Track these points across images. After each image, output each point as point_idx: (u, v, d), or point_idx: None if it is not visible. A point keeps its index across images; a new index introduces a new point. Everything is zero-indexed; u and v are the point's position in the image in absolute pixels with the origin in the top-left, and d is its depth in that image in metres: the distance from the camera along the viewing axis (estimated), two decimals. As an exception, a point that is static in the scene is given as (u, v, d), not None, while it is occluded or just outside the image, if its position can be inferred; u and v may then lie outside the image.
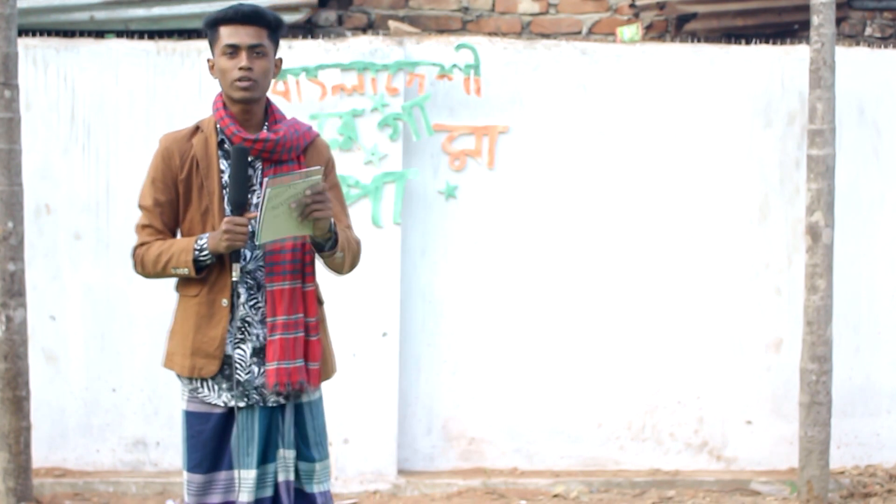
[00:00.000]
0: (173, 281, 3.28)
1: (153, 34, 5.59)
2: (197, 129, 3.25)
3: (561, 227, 5.63)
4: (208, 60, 3.24)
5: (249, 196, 3.16)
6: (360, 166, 5.42)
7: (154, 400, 5.51)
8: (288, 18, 5.68)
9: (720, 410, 5.71)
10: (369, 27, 6.06)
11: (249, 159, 3.17)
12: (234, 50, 3.13)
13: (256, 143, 3.17)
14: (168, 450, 5.52)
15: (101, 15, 5.57)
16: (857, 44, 6.07)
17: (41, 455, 5.45)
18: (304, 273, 3.21)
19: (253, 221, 3.09)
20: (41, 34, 5.53)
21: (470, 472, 5.61)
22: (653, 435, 5.70)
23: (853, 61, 5.63)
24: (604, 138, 5.64)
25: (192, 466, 3.23)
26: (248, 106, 3.19)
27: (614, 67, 5.63)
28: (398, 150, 5.46)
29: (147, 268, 3.23)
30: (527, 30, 6.18)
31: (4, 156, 4.93)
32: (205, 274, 3.17)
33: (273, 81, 5.31)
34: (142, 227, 3.25)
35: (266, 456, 3.22)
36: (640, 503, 5.39)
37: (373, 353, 5.45)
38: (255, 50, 3.14)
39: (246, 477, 3.21)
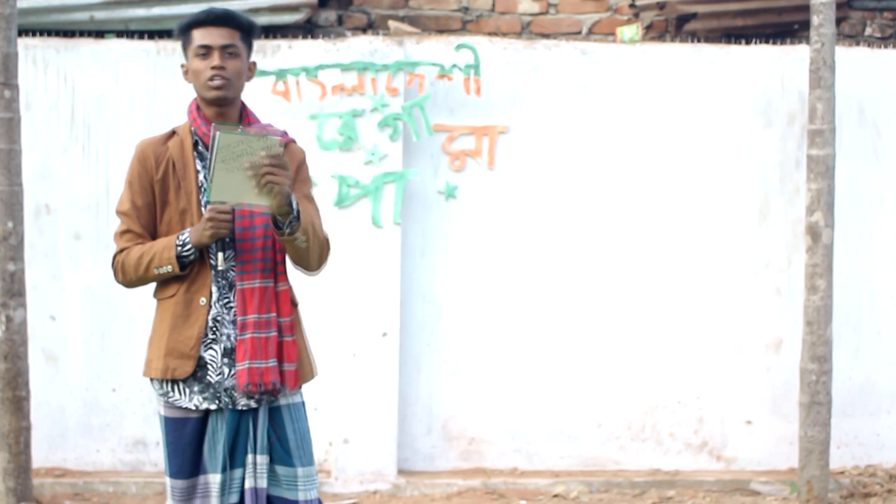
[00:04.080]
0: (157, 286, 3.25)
1: (153, 34, 5.59)
2: (173, 133, 3.23)
3: (561, 226, 5.63)
4: (182, 66, 3.22)
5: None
6: (360, 166, 5.42)
7: (154, 400, 5.49)
8: (288, 18, 5.69)
9: (720, 410, 5.71)
10: (369, 27, 6.06)
11: None
12: (206, 51, 3.12)
13: None
14: (168, 450, 5.52)
15: (101, 15, 5.57)
16: (857, 44, 6.06)
17: (41, 455, 5.45)
18: (276, 272, 3.16)
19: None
20: (41, 34, 5.53)
21: (470, 472, 5.61)
22: (653, 435, 5.70)
23: (853, 61, 5.63)
24: (604, 138, 5.64)
25: (174, 472, 3.19)
26: (221, 108, 3.16)
27: (614, 67, 5.63)
28: (398, 150, 5.45)
29: (129, 273, 3.20)
30: (527, 30, 6.18)
31: (4, 156, 4.93)
32: (186, 271, 3.14)
33: (274, 81, 5.37)
34: (120, 234, 3.24)
35: (233, 461, 3.15)
36: (640, 503, 5.39)
37: (373, 353, 5.45)
38: (227, 50, 3.12)
39: (213, 481, 3.16)
